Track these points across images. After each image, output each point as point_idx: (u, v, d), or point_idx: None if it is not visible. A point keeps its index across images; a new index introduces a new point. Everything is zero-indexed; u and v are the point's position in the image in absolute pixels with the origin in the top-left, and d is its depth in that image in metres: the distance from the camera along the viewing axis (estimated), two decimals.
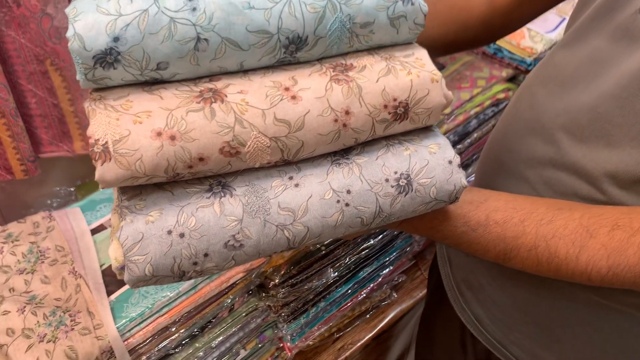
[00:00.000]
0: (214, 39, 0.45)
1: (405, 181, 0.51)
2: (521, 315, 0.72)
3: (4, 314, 0.73)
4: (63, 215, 0.90)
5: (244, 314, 0.94)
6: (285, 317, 1.02)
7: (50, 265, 0.82)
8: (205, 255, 0.46)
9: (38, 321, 0.73)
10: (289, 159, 0.49)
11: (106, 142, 0.43)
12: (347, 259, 1.07)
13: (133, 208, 0.46)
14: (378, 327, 1.17)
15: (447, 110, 1.19)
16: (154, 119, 0.44)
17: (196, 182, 0.48)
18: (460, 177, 0.53)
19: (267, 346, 1.02)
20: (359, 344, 1.14)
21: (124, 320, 0.78)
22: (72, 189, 1.10)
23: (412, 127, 0.52)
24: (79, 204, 0.95)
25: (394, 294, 1.21)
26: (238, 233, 0.47)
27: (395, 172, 0.51)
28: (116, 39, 0.43)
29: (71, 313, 0.76)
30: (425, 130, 0.55)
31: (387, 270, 1.17)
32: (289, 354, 1.06)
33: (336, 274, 1.05)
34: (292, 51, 0.48)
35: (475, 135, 1.26)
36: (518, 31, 1.24)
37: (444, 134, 1.22)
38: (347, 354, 1.12)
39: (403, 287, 1.25)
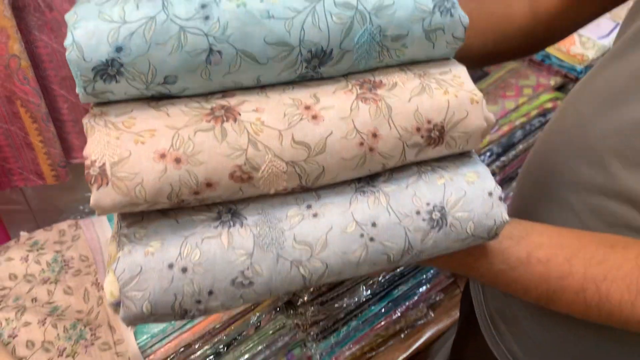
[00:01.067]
0: (228, 51, 0.41)
1: (438, 214, 0.45)
2: (560, 354, 0.65)
3: (25, 326, 0.71)
4: (89, 224, 0.89)
5: (270, 332, 0.90)
6: (315, 336, 0.97)
7: (74, 276, 0.80)
8: (210, 293, 0.42)
9: (58, 334, 0.71)
10: (307, 186, 0.44)
11: (103, 164, 0.39)
12: (381, 276, 1.01)
13: (132, 237, 0.42)
14: (413, 347, 1.11)
15: None
16: (158, 139, 0.40)
17: (204, 209, 0.44)
18: (501, 211, 0.47)
19: None
20: None
21: (145, 336, 0.75)
22: None
23: (447, 152, 0.47)
24: None
25: (431, 313, 1.15)
26: (247, 269, 0.42)
27: (428, 204, 0.46)
28: (119, 49, 0.39)
29: (92, 327, 0.74)
30: (462, 157, 0.49)
31: (424, 288, 1.11)
32: None
33: (369, 292, 1.00)
34: (314, 66, 0.43)
35: (520, 147, 1.18)
36: (568, 37, 1.17)
37: (487, 145, 1.15)
38: None
39: (440, 305, 1.18)
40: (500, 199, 0.47)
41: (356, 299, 0.98)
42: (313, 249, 0.43)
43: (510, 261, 0.52)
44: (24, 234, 0.86)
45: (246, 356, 0.87)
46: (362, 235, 0.44)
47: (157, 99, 0.43)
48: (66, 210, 1.07)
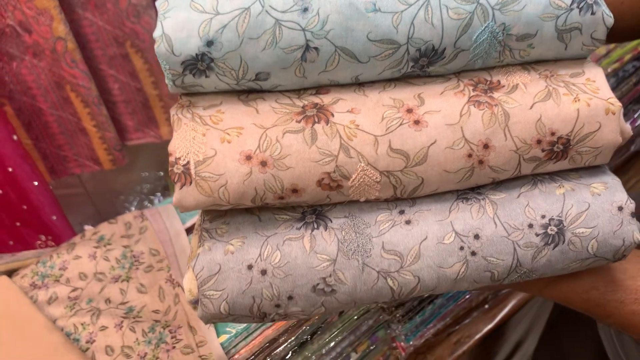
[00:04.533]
0: (325, 48, 0.37)
1: (555, 229, 0.40)
2: None
3: (102, 330, 0.68)
4: (156, 214, 0.82)
5: (355, 317, 0.87)
6: (400, 317, 0.94)
7: (146, 272, 0.75)
8: (290, 298, 0.40)
9: (137, 338, 0.67)
10: (402, 197, 0.40)
11: (188, 163, 0.37)
12: None
13: (214, 233, 0.40)
14: (498, 318, 1.00)
15: None
16: (245, 138, 0.37)
17: (288, 208, 0.41)
18: (632, 230, 0.40)
19: (379, 347, 0.95)
20: (477, 336, 0.98)
21: (227, 336, 0.69)
22: (161, 173, 1.04)
23: (569, 167, 0.41)
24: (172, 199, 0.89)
25: None
26: (330, 276, 0.39)
27: (543, 216, 0.40)
28: (210, 43, 0.36)
29: (171, 329, 0.69)
30: None
31: None
32: (403, 353, 0.97)
33: None
34: (422, 65, 0.39)
35: None
36: None
37: None
38: (465, 347, 0.99)
39: None
40: (632, 215, 0.40)
41: None
42: (403, 260, 0.39)
43: None
44: (88, 228, 0.81)
45: (332, 344, 0.84)
46: (462, 248, 0.39)
47: (247, 91, 0.41)
48: (124, 192, 1.04)
